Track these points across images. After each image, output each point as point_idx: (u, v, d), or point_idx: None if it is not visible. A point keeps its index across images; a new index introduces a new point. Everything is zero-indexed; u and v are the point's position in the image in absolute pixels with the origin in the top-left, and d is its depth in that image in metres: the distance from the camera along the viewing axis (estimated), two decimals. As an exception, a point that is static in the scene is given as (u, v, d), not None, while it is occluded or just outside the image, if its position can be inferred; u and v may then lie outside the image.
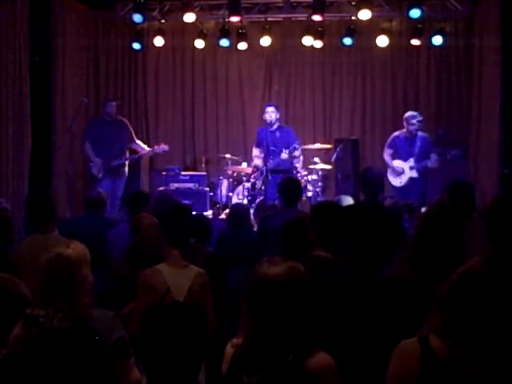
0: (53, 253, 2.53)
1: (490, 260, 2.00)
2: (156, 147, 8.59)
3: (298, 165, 8.28)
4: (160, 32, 9.44)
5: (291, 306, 2.07)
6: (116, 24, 9.85)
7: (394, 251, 3.84)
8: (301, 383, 2.03)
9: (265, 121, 8.30)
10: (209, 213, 8.51)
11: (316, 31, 9.14)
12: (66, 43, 8.65)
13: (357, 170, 8.97)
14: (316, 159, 8.57)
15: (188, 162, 10.23)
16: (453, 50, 9.41)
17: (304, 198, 7.96)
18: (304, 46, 9.36)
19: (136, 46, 9.50)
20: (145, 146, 8.70)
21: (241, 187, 8.64)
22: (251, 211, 7.27)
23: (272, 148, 8.09)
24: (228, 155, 9.11)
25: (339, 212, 3.21)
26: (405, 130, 7.79)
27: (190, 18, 8.82)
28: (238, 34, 9.29)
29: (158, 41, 9.46)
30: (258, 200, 8.09)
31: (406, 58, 9.78)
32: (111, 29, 9.91)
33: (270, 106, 8.42)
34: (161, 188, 8.89)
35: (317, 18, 8.58)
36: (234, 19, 8.79)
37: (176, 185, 8.97)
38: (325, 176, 8.65)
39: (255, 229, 6.00)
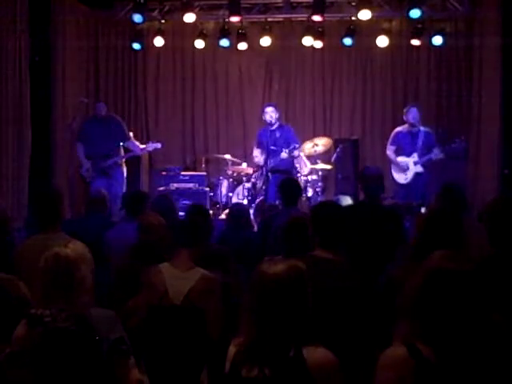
0: (51, 253, 2.53)
1: (453, 255, 1.99)
2: (147, 145, 8.55)
3: (298, 165, 8.29)
4: (160, 32, 9.45)
5: (292, 303, 2.09)
6: (116, 24, 9.86)
7: (395, 251, 3.85)
8: (301, 378, 2.04)
9: (265, 121, 8.30)
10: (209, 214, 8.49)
11: (316, 31, 9.14)
12: (65, 43, 8.65)
13: (357, 170, 8.96)
14: (316, 159, 8.58)
15: (188, 161, 10.23)
16: (453, 50, 9.41)
17: (304, 197, 7.96)
18: (304, 46, 9.37)
19: (136, 46, 9.51)
20: (139, 146, 8.58)
21: (241, 187, 8.63)
22: (251, 211, 7.28)
23: (272, 147, 8.08)
24: (228, 156, 9.11)
25: (339, 212, 3.21)
26: (406, 125, 7.79)
27: (190, 18, 8.82)
28: (238, 34, 9.30)
29: (158, 41, 9.47)
30: (257, 200, 8.09)
31: (406, 58, 9.78)
32: (111, 29, 9.91)
33: (269, 106, 8.41)
34: (161, 188, 8.88)
35: (317, 18, 8.58)
36: (234, 19, 8.79)
37: (176, 185, 8.96)
38: (325, 176, 8.64)
39: (255, 229, 6.00)
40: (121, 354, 2.51)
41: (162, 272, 3.44)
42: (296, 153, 8.03)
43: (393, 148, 7.89)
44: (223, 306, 3.45)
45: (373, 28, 9.24)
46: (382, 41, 9.13)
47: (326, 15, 8.64)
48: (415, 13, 8.24)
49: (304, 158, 8.54)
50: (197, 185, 9.00)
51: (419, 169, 7.65)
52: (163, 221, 4.04)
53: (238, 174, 8.91)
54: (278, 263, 2.15)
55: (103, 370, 2.42)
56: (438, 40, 8.83)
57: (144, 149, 8.56)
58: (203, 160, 9.94)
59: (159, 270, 3.46)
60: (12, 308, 2.77)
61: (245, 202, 8.26)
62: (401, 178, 7.78)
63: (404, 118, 7.83)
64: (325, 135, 9.72)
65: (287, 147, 7.85)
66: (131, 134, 8.77)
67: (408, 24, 9.17)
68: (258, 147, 8.41)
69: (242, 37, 9.33)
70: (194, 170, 9.80)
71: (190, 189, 8.89)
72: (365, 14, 8.45)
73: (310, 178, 8.36)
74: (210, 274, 3.46)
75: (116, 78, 10.17)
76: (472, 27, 8.96)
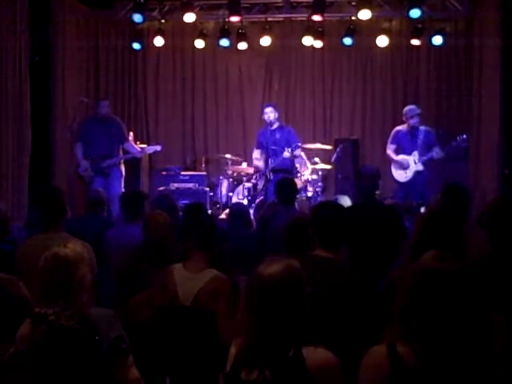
0: (50, 252, 2.54)
1: (441, 255, 1.99)
2: (147, 148, 8.54)
3: (298, 165, 8.30)
4: (160, 32, 9.45)
5: (289, 303, 2.09)
6: (116, 24, 9.85)
7: (396, 251, 3.85)
8: (301, 379, 2.04)
9: (264, 121, 8.30)
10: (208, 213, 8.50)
11: (316, 31, 9.14)
12: (66, 43, 8.64)
13: (357, 170, 8.96)
14: (316, 159, 8.58)
15: (188, 161, 10.23)
16: (453, 50, 9.41)
17: (304, 197, 7.97)
18: (304, 45, 9.36)
19: (136, 45, 9.51)
20: (137, 148, 8.54)
21: (241, 187, 8.64)
22: (251, 211, 7.28)
23: (273, 148, 8.09)
24: (228, 155, 9.11)
25: (339, 211, 3.21)
26: (406, 125, 7.80)
27: (190, 17, 8.82)
28: (238, 33, 9.29)
29: (158, 41, 9.47)
30: (258, 200, 8.10)
31: (406, 58, 9.79)
32: (111, 29, 9.91)
33: (268, 106, 8.42)
34: (161, 188, 8.88)
35: (317, 17, 8.58)
36: (234, 19, 8.79)
37: (176, 185, 8.96)
38: (325, 176, 8.65)
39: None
40: (120, 353, 2.52)
41: (173, 273, 3.41)
42: (298, 152, 8.04)
43: (393, 147, 7.89)
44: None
45: (373, 28, 9.24)
46: (382, 41, 9.12)
47: (325, 15, 8.64)
48: (415, 12, 8.24)
49: (305, 158, 8.54)
50: (197, 185, 9.00)
51: (420, 167, 7.65)
52: (169, 219, 4.04)
53: (238, 173, 8.92)
54: (274, 264, 2.15)
55: (103, 368, 2.43)
56: (437, 40, 8.83)
57: (143, 151, 8.55)
58: (203, 160, 9.95)
59: (171, 271, 3.43)
60: (12, 308, 2.78)
61: (245, 201, 8.27)
62: (401, 176, 7.78)
63: (404, 119, 7.83)
64: (325, 135, 9.76)
65: (288, 147, 7.86)
66: (130, 136, 8.76)
67: (408, 24, 9.17)
68: (257, 148, 8.41)
69: (241, 37, 9.33)
70: (194, 170, 9.81)
71: (190, 189, 8.89)
72: (365, 14, 8.45)
73: (310, 177, 8.37)
74: (221, 275, 3.40)
75: (116, 77, 10.17)
76: (472, 27, 8.95)
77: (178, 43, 10.06)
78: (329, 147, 8.91)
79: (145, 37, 9.80)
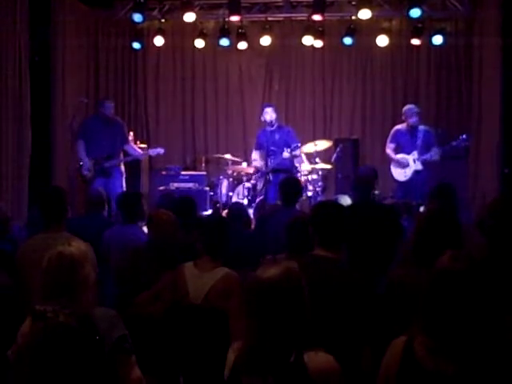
0: (54, 251, 2.53)
1: (459, 255, 2.01)
2: (151, 150, 8.51)
3: (298, 164, 8.29)
4: (160, 31, 9.45)
5: (288, 307, 2.08)
6: (116, 24, 9.85)
7: (394, 250, 3.84)
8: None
9: (264, 121, 8.30)
10: (209, 212, 8.50)
11: (316, 31, 9.14)
12: (65, 43, 8.63)
13: (357, 169, 8.96)
14: (316, 159, 8.57)
15: (188, 161, 10.23)
16: (453, 49, 9.41)
17: (304, 197, 7.96)
18: (304, 45, 9.36)
19: (136, 45, 9.51)
20: (138, 150, 8.52)
21: (241, 187, 8.64)
22: (251, 211, 7.28)
23: (272, 148, 8.09)
24: (228, 155, 9.11)
25: (339, 211, 3.20)
26: (405, 124, 7.80)
27: (189, 17, 8.83)
28: (238, 33, 9.29)
29: (158, 40, 9.47)
30: (258, 200, 8.10)
31: (406, 58, 9.79)
32: (111, 28, 9.91)
33: (268, 106, 8.42)
34: (161, 188, 8.89)
35: (317, 17, 8.58)
36: (234, 19, 8.80)
37: (176, 184, 8.97)
38: (325, 175, 8.65)
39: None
40: (123, 352, 2.51)
41: (184, 271, 3.41)
42: (298, 152, 8.04)
43: (392, 146, 7.89)
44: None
45: (373, 27, 9.24)
46: (382, 40, 9.12)
47: (326, 14, 8.65)
48: (415, 12, 8.23)
49: (304, 158, 8.54)
50: (197, 184, 9.00)
51: (419, 166, 7.66)
52: (175, 217, 4.04)
53: (238, 173, 8.92)
54: (273, 267, 2.14)
55: (104, 367, 2.42)
56: (438, 39, 8.83)
57: (146, 153, 8.54)
58: (203, 160, 9.95)
59: (182, 271, 3.43)
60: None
61: (245, 201, 8.27)
62: (400, 175, 7.78)
63: (403, 118, 7.84)
64: (325, 135, 9.75)
65: (288, 147, 7.86)
66: (130, 136, 8.75)
67: (408, 23, 9.17)
68: (257, 149, 8.41)
69: (242, 36, 9.33)
70: (194, 170, 9.81)
71: (190, 188, 8.89)
72: (365, 14, 8.45)
73: (310, 177, 8.37)
74: (232, 273, 3.39)
75: (116, 77, 10.17)
76: (472, 27, 8.96)
77: (178, 43, 10.06)
78: (329, 143, 8.89)
79: (145, 36, 9.80)
